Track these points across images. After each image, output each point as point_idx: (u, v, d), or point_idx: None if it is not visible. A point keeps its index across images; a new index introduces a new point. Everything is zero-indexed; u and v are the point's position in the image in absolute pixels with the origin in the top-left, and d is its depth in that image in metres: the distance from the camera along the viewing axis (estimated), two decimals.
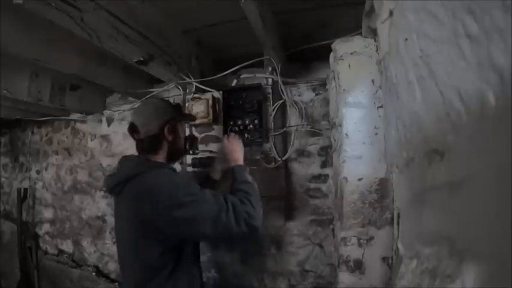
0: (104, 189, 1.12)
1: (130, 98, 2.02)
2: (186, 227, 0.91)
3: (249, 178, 1.11)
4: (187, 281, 1.03)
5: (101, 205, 2.15)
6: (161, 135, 1.07)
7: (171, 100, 1.88)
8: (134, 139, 1.09)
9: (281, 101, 1.58)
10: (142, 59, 1.29)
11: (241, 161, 1.21)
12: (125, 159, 1.09)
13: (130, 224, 0.98)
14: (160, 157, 1.08)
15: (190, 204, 0.91)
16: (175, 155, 1.14)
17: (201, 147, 1.64)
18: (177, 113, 1.14)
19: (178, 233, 0.94)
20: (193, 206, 0.91)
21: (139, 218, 0.94)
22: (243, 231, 0.93)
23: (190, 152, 1.33)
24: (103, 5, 1.04)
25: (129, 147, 2.04)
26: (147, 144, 1.06)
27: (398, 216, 0.91)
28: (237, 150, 1.24)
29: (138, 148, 1.08)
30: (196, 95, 1.62)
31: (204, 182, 1.30)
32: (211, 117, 1.58)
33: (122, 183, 1.00)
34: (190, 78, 1.57)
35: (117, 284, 2.06)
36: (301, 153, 1.70)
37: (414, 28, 0.65)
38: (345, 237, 1.06)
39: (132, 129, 1.07)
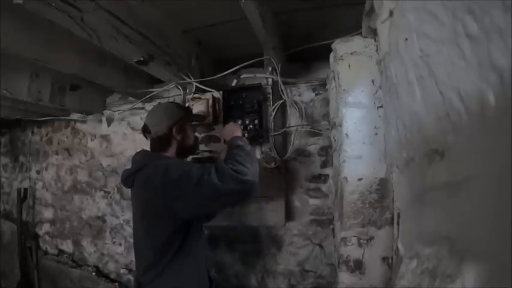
0: (121, 182, 1.22)
1: (130, 98, 2.02)
2: (178, 201, 0.97)
3: (240, 142, 1.11)
4: (193, 264, 1.08)
5: (101, 205, 2.15)
6: (170, 134, 1.16)
7: (171, 100, 1.88)
8: (147, 139, 1.21)
9: (281, 101, 1.57)
10: (142, 59, 1.29)
11: (237, 134, 1.21)
12: (136, 154, 1.19)
13: (140, 210, 1.11)
14: (170, 154, 1.17)
15: (180, 177, 0.98)
16: (184, 152, 1.23)
17: (201, 147, 1.64)
18: (186, 114, 1.23)
19: (174, 210, 0.99)
20: (182, 177, 0.97)
21: (145, 202, 1.06)
22: (232, 187, 0.93)
23: None
24: (103, 5, 1.04)
25: (129, 147, 2.05)
26: (158, 143, 1.17)
27: (398, 216, 0.91)
28: (233, 130, 1.25)
29: (151, 147, 1.20)
30: (196, 95, 1.62)
31: None
32: (211, 117, 1.58)
33: (132, 175, 1.12)
34: (190, 78, 1.57)
35: (117, 284, 2.06)
36: (301, 153, 1.70)
37: (414, 28, 0.65)
38: (345, 237, 1.06)
39: (145, 130, 1.20)
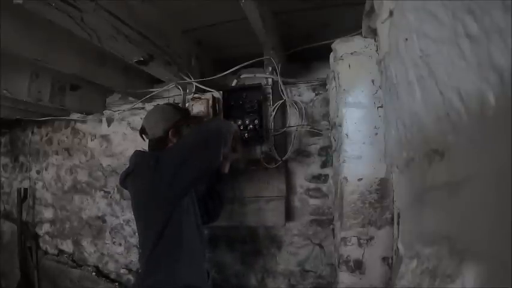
0: (118, 184, 1.31)
1: (130, 98, 2.02)
2: (162, 179, 1.05)
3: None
4: (189, 257, 1.11)
5: (101, 205, 2.15)
6: (166, 137, 1.20)
7: (171, 100, 1.88)
8: (144, 140, 1.26)
9: (281, 101, 1.57)
10: (142, 59, 1.29)
11: None
12: (132, 154, 1.24)
13: (138, 204, 1.16)
14: None
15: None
16: None
17: None
18: (183, 116, 1.26)
19: (162, 191, 1.05)
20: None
21: (142, 194, 1.12)
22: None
23: None
24: (103, 5, 1.04)
25: (129, 147, 2.04)
26: (155, 145, 1.21)
27: (399, 216, 0.91)
28: None
29: (148, 147, 1.25)
30: (196, 95, 1.62)
31: (214, 177, 1.41)
32: (211, 117, 1.58)
33: (128, 175, 1.18)
34: (190, 78, 1.57)
35: (117, 284, 2.05)
36: (301, 153, 1.70)
37: (414, 28, 0.65)
38: (345, 237, 1.06)
39: (142, 131, 1.26)
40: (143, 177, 1.09)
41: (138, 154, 1.22)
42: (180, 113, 1.26)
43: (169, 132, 1.19)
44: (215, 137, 1.11)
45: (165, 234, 1.05)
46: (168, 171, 1.04)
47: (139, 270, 1.17)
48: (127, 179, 1.18)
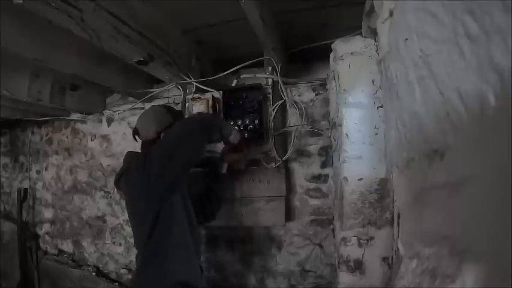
0: (114, 185, 1.30)
1: (130, 98, 2.02)
2: (153, 170, 1.04)
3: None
4: (182, 253, 1.11)
5: (101, 205, 2.15)
6: (158, 139, 1.20)
7: (171, 100, 1.88)
8: (136, 141, 1.26)
9: (281, 101, 1.57)
10: (142, 59, 1.29)
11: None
12: (125, 155, 1.25)
13: (131, 203, 1.16)
14: None
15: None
16: None
17: None
18: (176, 120, 1.25)
19: (153, 185, 1.05)
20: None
21: (133, 193, 1.12)
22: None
23: None
24: (103, 5, 1.04)
25: (129, 147, 2.04)
26: (147, 146, 1.19)
27: (398, 216, 0.91)
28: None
29: (141, 148, 1.25)
30: (196, 95, 1.62)
31: (212, 177, 1.42)
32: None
33: (121, 175, 1.17)
34: (190, 78, 1.57)
35: (117, 284, 2.05)
36: (301, 153, 1.70)
37: (414, 28, 0.65)
38: (345, 237, 1.06)
39: (135, 133, 1.26)
40: (134, 176, 1.10)
41: (131, 155, 1.23)
42: (173, 116, 1.26)
43: (161, 135, 1.20)
44: (198, 129, 1.11)
45: (155, 231, 1.06)
46: (156, 166, 1.04)
47: (136, 268, 1.17)
48: (121, 179, 1.19)
